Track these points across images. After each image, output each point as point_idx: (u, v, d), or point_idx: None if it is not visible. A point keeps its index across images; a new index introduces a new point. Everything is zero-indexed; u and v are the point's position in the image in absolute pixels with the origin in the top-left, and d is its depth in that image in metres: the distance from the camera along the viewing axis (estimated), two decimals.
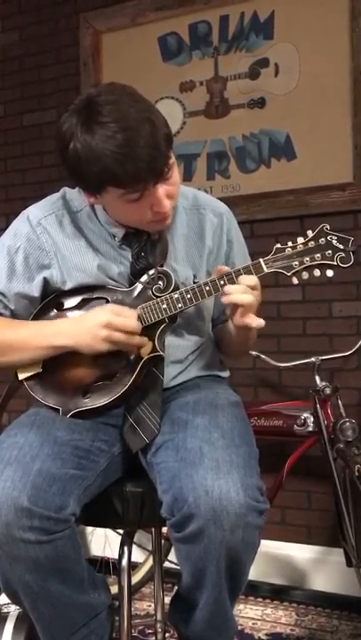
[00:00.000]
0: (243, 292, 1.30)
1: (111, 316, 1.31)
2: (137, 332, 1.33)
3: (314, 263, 1.32)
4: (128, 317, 1.33)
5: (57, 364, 1.41)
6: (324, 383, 2.06)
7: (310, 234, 1.33)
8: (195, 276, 1.45)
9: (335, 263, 1.31)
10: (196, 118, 2.62)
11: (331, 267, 1.32)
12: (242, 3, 2.53)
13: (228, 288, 1.31)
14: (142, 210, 1.32)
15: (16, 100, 2.98)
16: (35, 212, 1.47)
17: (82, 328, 1.34)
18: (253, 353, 2.17)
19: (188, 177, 2.62)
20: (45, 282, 1.45)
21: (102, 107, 1.23)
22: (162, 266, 1.41)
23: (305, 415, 2.08)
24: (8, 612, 1.70)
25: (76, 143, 1.24)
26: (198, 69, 2.62)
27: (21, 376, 1.45)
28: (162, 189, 1.30)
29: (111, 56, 2.76)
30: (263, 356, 2.19)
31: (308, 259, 1.32)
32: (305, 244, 1.32)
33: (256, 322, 1.33)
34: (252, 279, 1.32)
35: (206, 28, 2.60)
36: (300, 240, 1.33)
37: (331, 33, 2.40)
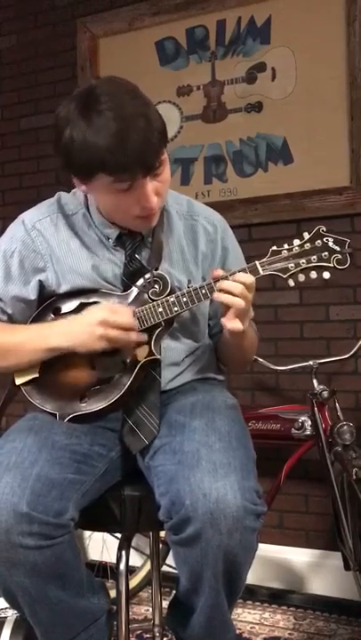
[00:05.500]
0: (239, 293, 1.28)
1: (107, 314, 1.32)
2: (133, 329, 1.33)
3: (310, 265, 1.31)
4: (123, 313, 1.33)
5: (54, 369, 1.41)
6: (321, 387, 2.06)
7: (306, 236, 1.32)
8: (189, 281, 1.45)
9: (332, 265, 1.30)
10: (194, 122, 2.63)
11: (327, 268, 1.31)
12: (239, 7, 2.53)
13: (221, 283, 1.30)
14: (130, 202, 1.32)
15: (13, 104, 2.99)
16: (30, 216, 1.48)
17: (77, 327, 1.34)
18: None
19: (185, 181, 2.63)
20: (41, 285, 1.45)
21: (101, 96, 1.25)
22: (157, 269, 1.41)
23: (303, 419, 2.08)
24: (5, 617, 1.70)
25: (72, 128, 1.25)
26: (195, 74, 2.63)
27: (19, 381, 1.45)
28: (150, 185, 1.30)
29: (108, 60, 2.77)
30: (261, 360, 2.19)
31: (303, 261, 1.31)
32: (301, 245, 1.32)
33: (231, 324, 1.31)
34: (249, 277, 1.30)
35: (203, 33, 2.61)
36: (297, 242, 1.32)
37: (327, 37, 2.41)
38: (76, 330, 1.34)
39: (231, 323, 1.31)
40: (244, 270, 1.32)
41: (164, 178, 1.33)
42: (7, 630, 1.67)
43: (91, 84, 1.30)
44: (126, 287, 1.42)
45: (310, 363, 2.12)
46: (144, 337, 1.36)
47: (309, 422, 2.07)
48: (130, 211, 1.34)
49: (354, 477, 1.89)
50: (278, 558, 2.41)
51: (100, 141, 1.22)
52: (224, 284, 1.30)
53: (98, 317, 1.31)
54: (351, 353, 2.15)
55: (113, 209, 1.38)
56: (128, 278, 1.42)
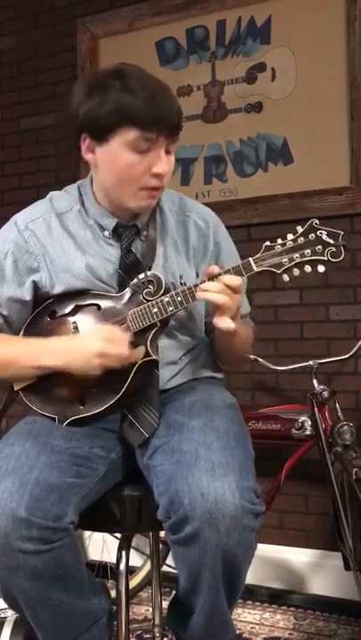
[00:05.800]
0: (219, 290, 1.29)
1: (104, 345, 1.31)
2: (129, 360, 1.34)
3: (304, 259, 1.29)
4: (120, 343, 1.32)
5: (52, 373, 1.40)
6: (321, 387, 2.06)
7: (300, 229, 1.30)
8: (181, 277, 1.45)
9: (326, 258, 1.29)
10: (194, 123, 2.63)
11: (321, 262, 1.29)
12: (239, 8, 2.53)
13: (206, 284, 1.30)
14: (142, 167, 1.34)
15: (13, 104, 2.99)
16: (22, 216, 1.48)
17: (75, 353, 1.34)
18: (251, 356, 2.17)
19: (185, 181, 2.63)
20: (35, 286, 1.45)
21: (127, 69, 1.35)
22: (150, 267, 1.41)
23: (303, 419, 2.08)
24: (5, 617, 1.70)
25: (102, 90, 1.32)
26: (195, 74, 2.63)
27: (17, 386, 1.45)
28: (164, 156, 1.35)
29: (108, 61, 2.72)
30: (261, 360, 2.19)
31: (297, 255, 1.29)
32: (294, 240, 1.30)
33: (223, 323, 1.31)
34: (234, 279, 1.30)
35: (203, 33, 2.61)
36: (290, 237, 1.31)
37: (327, 38, 2.41)
38: (73, 355, 1.34)
39: (223, 322, 1.31)
40: (237, 268, 1.32)
41: (172, 159, 1.39)
42: (7, 630, 1.67)
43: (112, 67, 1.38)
44: (121, 282, 1.41)
45: (310, 363, 2.12)
46: (139, 355, 1.36)
47: (309, 422, 2.07)
48: (139, 178, 1.35)
49: (354, 477, 1.89)
50: (278, 558, 2.41)
51: (133, 96, 1.30)
52: (204, 285, 1.30)
53: (96, 349, 1.31)
54: (351, 353, 2.15)
55: (123, 174, 1.36)
56: (124, 272, 1.41)
